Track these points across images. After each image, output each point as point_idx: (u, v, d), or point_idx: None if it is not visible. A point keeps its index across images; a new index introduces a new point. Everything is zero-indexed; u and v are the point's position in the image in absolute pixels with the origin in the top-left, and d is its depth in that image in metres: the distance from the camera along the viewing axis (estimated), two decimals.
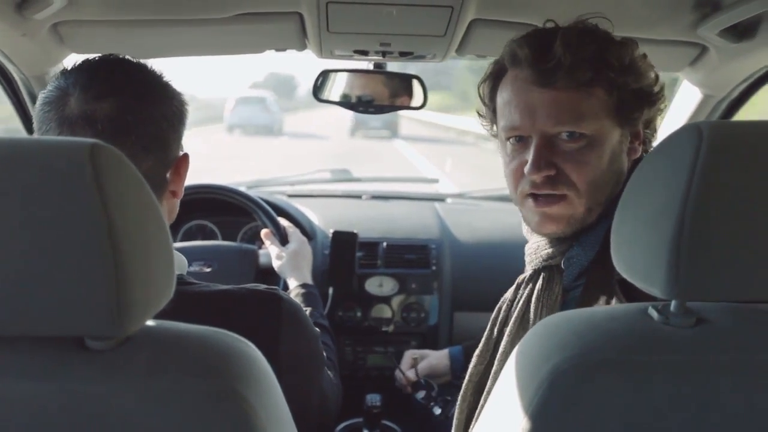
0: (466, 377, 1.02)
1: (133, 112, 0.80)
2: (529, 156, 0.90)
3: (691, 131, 0.56)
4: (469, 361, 1.07)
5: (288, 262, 1.48)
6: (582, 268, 0.92)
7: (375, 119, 16.85)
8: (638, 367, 0.56)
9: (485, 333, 1.02)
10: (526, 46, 0.89)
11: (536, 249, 0.97)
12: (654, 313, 0.61)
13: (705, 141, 0.55)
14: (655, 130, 0.98)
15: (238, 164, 10.37)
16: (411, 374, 1.45)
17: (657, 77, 0.92)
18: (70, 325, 0.52)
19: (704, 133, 0.55)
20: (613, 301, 0.84)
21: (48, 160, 0.50)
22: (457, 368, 1.45)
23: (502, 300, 1.02)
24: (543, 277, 0.95)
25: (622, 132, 0.91)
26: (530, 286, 0.97)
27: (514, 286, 1.01)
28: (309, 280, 1.46)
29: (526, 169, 0.89)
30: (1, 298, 0.51)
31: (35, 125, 0.82)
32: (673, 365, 0.57)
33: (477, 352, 1.02)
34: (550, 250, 0.95)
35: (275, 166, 10.45)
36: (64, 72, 0.83)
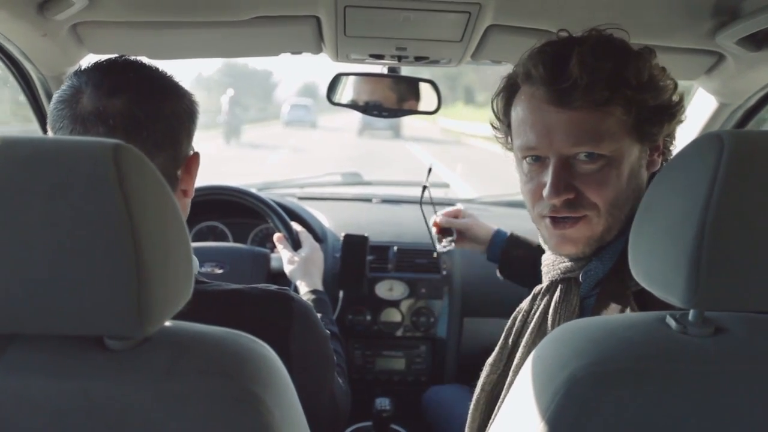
0: (479, 386, 1.01)
1: (145, 108, 0.81)
2: (548, 178, 0.88)
3: (711, 140, 0.56)
4: (511, 251, 1.17)
5: (299, 268, 1.48)
6: (598, 278, 0.91)
7: (380, 121, 18.46)
8: (655, 376, 0.56)
9: (499, 342, 1.00)
10: (541, 64, 0.87)
11: (554, 261, 0.96)
12: (672, 322, 0.60)
13: (726, 150, 0.55)
14: (674, 138, 0.96)
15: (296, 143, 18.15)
16: (444, 221, 1.50)
17: (675, 87, 0.91)
18: (91, 325, 0.52)
19: (725, 141, 0.55)
20: (627, 311, 0.83)
21: (71, 161, 0.51)
22: (494, 251, 1.46)
23: (517, 310, 1.01)
24: (561, 289, 0.94)
25: (641, 148, 0.90)
26: (547, 297, 0.95)
27: (530, 297, 0.99)
28: (319, 287, 1.46)
29: (545, 192, 0.88)
30: (23, 297, 0.51)
31: (49, 124, 0.83)
32: (691, 375, 0.56)
33: (490, 360, 1.01)
34: (569, 264, 0.94)
35: (315, 145, 17.46)
36: (77, 72, 0.84)
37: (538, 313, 0.95)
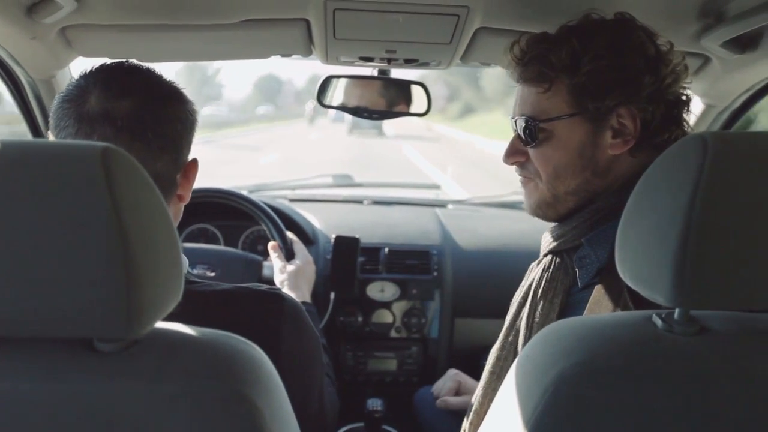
0: (488, 373, 1.00)
1: (151, 111, 0.82)
2: None
3: (696, 141, 0.57)
4: None
5: (290, 279, 1.48)
6: (595, 270, 0.90)
7: (367, 121, 21.43)
8: (642, 374, 0.57)
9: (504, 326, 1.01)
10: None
11: (544, 237, 1.01)
12: (658, 321, 0.61)
13: (710, 151, 0.55)
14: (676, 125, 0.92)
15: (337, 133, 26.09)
16: (454, 401, 1.37)
17: (624, 65, 0.88)
18: (80, 327, 0.52)
19: (709, 143, 0.56)
20: (620, 308, 0.82)
21: (60, 163, 0.51)
22: None
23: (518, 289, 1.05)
24: (545, 262, 0.97)
25: (590, 127, 0.90)
26: (535, 270, 0.99)
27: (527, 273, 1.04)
28: (308, 299, 1.46)
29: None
30: (13, 300, 0.51)
31: (52, 123, 0.83)
32: (676, 373, 0.57)
33: (496, 346, 1.00)
34: (549, 237, 0.98)
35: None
36: (84, 74, 0.84)
37: (525, 288, 0.99)
